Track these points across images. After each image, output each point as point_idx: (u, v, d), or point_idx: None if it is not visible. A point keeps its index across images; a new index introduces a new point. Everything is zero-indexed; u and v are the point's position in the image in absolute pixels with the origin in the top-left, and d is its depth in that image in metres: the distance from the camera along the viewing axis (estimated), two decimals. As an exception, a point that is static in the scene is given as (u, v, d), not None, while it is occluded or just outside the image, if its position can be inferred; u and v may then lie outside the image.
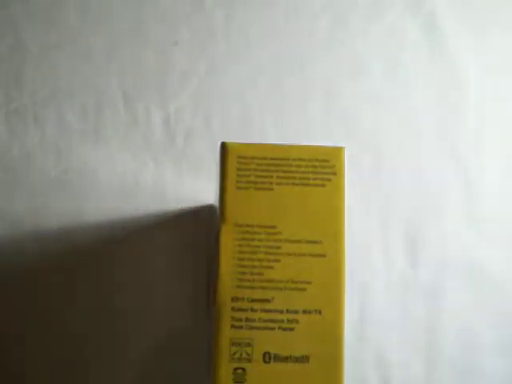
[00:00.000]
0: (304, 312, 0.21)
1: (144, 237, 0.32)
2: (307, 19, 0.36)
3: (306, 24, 0.36)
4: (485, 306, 0.33)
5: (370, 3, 0.37)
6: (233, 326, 0.21)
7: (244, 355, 0.20)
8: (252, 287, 0.21)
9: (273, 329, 0.21)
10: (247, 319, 0.21)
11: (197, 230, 0.32)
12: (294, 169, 0.22)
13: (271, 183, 0.22)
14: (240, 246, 0.21)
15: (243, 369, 0.20)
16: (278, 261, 0.21)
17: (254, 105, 0.35)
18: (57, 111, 0.34)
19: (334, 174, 0.22)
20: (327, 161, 0.22)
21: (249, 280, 0.21)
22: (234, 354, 0.20)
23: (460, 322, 0.33)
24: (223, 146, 0.22)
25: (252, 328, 0.21)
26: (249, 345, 0.21)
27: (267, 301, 0.21)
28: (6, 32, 0.35)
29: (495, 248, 0.34)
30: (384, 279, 0.33)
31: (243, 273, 0.21)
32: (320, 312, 0.21)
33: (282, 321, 0.21)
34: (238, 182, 0.21)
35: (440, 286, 0.33)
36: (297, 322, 0.21)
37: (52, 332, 0.31)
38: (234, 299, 0.21)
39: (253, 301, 0.21)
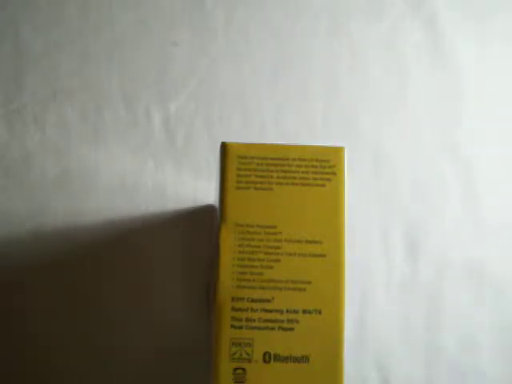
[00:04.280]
0: (304, 312, 0.21)
1: (144, 237, 0.32)
2: (307, 19, 0.36)
3: (305, 24, 0.36)
4: (485, 307, 0.33)
5: (370, 3, 0.37)
6: (233, 326, 0.21)
7: (244, 355, 0.20)
8: (252, 287, 0.21)
9: (273, 329, 0.21)
10: (247, 319, 0.21)
11: (197, 230, 0.32)
12: (294, 169, 0.22)
13: (271, 183, 0.22)
14: (240, 245, 0.21)
15: (243, 369, 0.20)
16: (277, 261, 0.21)
17: (254, 105, 0.35)
18: (57, 111, 0.34)
19: (334, 174, 0.22)
20: (327, 161, 0.22)
21: (249, 280, 0.21)
22: (234, 353, 0.20)
23: (460, 322, 0.33)
24: (223, 146, 0.22)
25: (252, 328, 0.21)
26: (249, 345, 0.21)
27: (267, 301, 0.21)
28: (6, 32, 0.35)
29: (495, 248, 0.34)
30: (384, 279, 0.33)
31: (243, 273, 0.21)
32: (320, 312, 0.21)
33: (282, 321, 0.21)
34: (238, 182, 0.21)
35: (440, 286, 0.33)
36: (297, 321, 0.21)
37: (52, 331, 0.31)
38: (234, 299, 0.21)
39: (253, 301, 0.21)
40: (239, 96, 0.35)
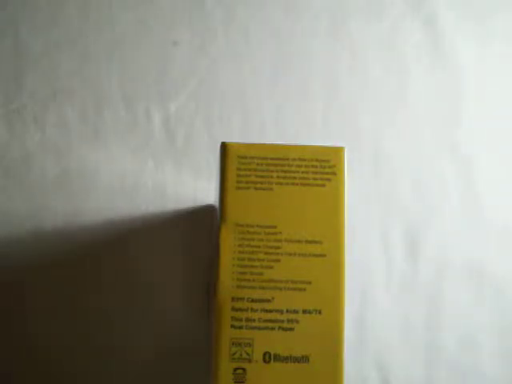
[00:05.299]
0: (304, 312, 0.21)
1: (144, 237, 0.32)
2: (307, 19, 0.36)
3: (305, 24, 0.36)
4: (485, 307, 0.33)
5: (370, 3, 0.37)
6: (233, 326, 0.21)
7: (244, 355, 0.20)
8: (252, 287, 0.21)
9: (273, 329, 0.21)
10: (247, 319, 0.21)
11: (197, 230, 0.32)
12: (294, 169, 0.22)
13: (271, 183, 0.22)
14: (240, 245, 0.21)
15: (243, 369, 0.20)
16: (277, 261, 0.21)
17: (254, 105, 0.35)
18: (57, 111, 0.34)
19: (334, 174, 0.22)
20: (327, 161, 0.22)
21: (249, 280, 0.21)
22: (234, 354, 0.20)
23: (460, 322, 0.33)
24: (223, 146, 0.22)
25: (252, 328, 0.21)
26: (249, 345, 0.21)
27: (267, 301, 0.21)
28: (6, 32, 0.35)
29: (495, 248, 0.34)
30: (384, 279, 0.33)
31: (243, 273, 0.21)
32: (320, 312, 0.21)
33: (282, 321, 0.21)
34: (238, 182, 0.21)
35: (440, 286, 0.33)
36: (297, 321, 0.21)
37: (52, 331, 0.31)
38: (234, 299, 0.21)
39: (253, 301, 0.21)
40: (239, 96, 0.35)
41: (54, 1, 0.35)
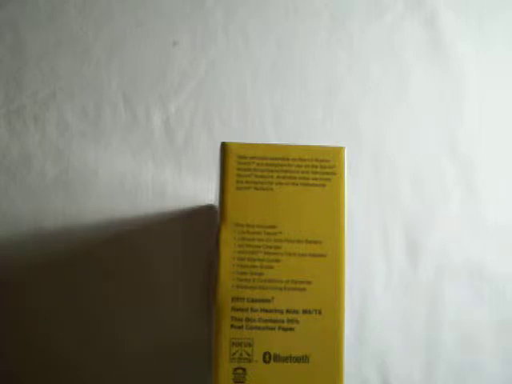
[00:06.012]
0: (304, 312, 0.21)
1: (144, 237, 0.32)
2: (307, 19, 0.36)
3: (305, 24, 0.36)
4: (484, 307, 0.33)
5: (370, 3, 0.37)
6: (233, 326, 0.21)
7: (244, 355, 0.20)
8: (252, 287, 0.21)
9: (273, 329, 0.21)
10: (247, 319, 0.21)
11: (197, 229, 0.32)
12: (294, 169, 0.22)
13: (271, 183, 0.22)
14: (240, 246, 0.21)
15: (243, 369, 0.20)
16: (277, 261, 0.21)
17: (254, 105, 0.35)
18: (57, 111, 0.34)
19: (334, 174, 0.22)
20: (327, 161, 0.22)
21: (249, 280, 0.21)
22: (234, 354, 0.20)
23: (459, 323, 0.33)
24: (223, 146, 0.22)
25: (252, 328, 0.21)
26: (249, 345, 0.21)
27: (267, 301, 0.21)
28: (5, 32, 0.35)
29: (495, 248, 0.34)
30: (384, 279, 0.33)
31: (243, 273, 0.21)
32: (320, 312, 0.21)
33: (282, 321, 0.21)
34: (238, 182, 0.21)
35: (440, 286, 0.33)
36: (297, 321, 0.21)
37: (51, 331, 0.31)
38: (234, 299, 0.21)
39: (253, 301, 0.21)
40: (239, 96, 0.35)
41: (53, 0, 0.35)
